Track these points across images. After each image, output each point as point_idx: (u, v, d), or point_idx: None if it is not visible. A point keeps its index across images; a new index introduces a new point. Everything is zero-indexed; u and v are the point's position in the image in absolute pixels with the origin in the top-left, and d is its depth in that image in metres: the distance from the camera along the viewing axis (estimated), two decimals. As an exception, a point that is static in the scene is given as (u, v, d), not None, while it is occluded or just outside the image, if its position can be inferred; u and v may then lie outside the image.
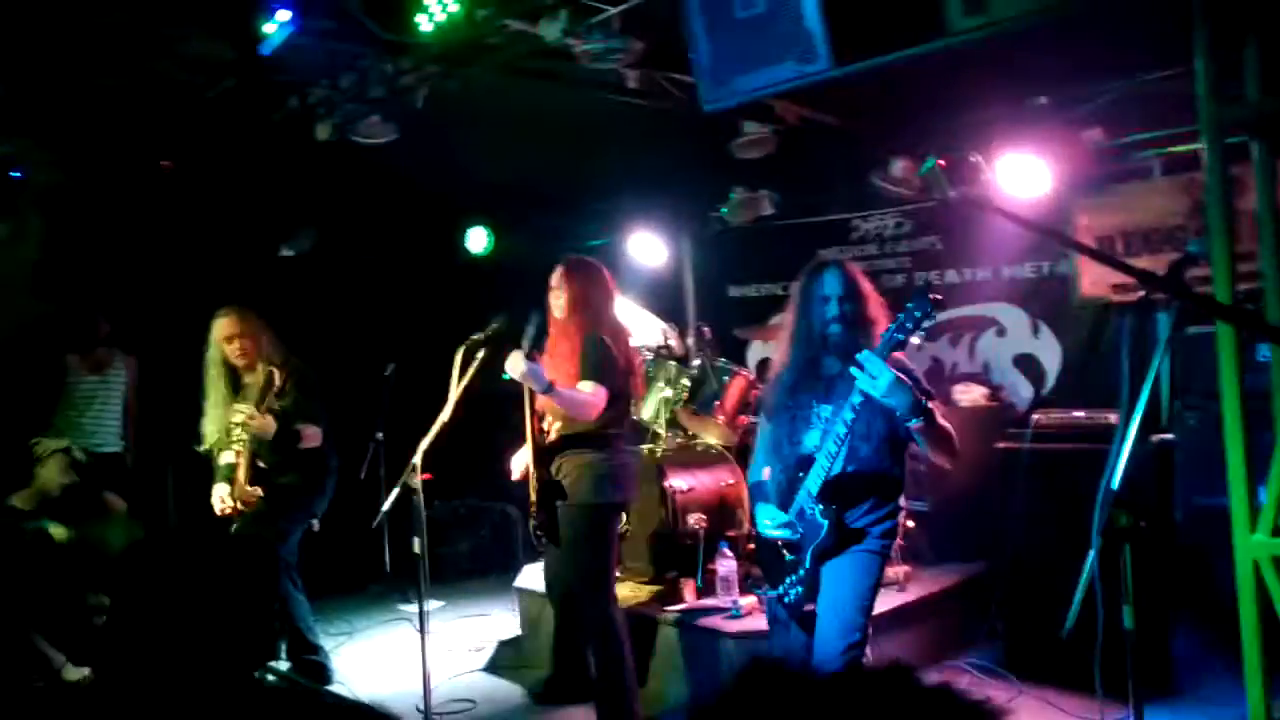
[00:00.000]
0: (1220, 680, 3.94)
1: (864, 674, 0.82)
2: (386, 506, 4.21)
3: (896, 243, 6.39)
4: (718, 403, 5.32)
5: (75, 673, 3.98)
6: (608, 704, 4.12)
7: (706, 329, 5.80)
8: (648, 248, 6.81)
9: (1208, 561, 4.03)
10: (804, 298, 3.48)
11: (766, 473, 3.56)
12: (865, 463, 3.35)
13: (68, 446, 5.65)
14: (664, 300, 6.75)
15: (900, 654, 3.06)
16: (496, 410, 4.59)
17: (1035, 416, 4.92)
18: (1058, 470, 4.53)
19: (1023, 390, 5.83)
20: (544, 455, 4.15)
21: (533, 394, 4.08)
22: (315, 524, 5.00)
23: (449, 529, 7.18)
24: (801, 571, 3.36)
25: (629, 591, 5.07)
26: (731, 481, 5.25)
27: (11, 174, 4.66)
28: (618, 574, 5.20)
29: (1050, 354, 5.78)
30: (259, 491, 4.81)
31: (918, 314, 3.10)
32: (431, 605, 4.61)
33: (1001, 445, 4.96)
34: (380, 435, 6.18)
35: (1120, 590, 2.67)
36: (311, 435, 4.87)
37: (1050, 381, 5.76)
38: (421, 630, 4.10)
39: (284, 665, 4.90)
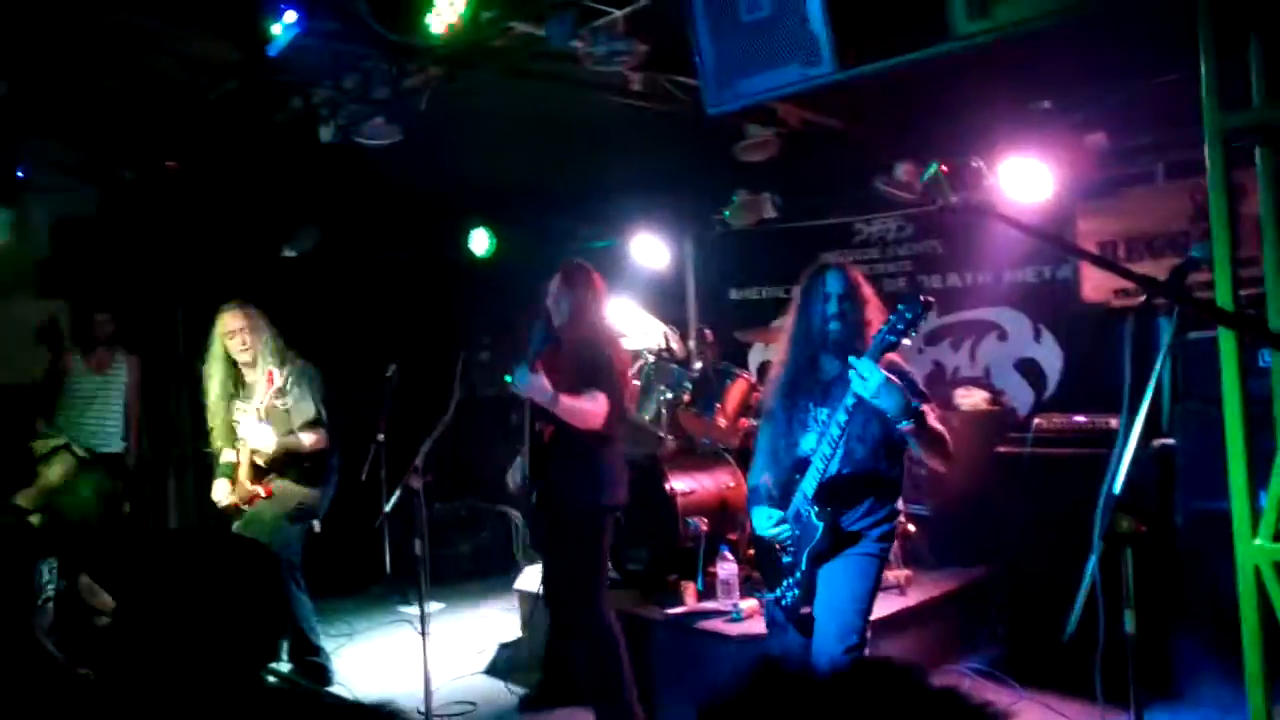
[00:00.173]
0: (1221, 685, 3.93)
1: (872, 675, 0.82)
2: (388, 507, 4.22)
3: (898, 246, 6.39)
4: (719, 405, 5.32)
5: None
6: (606, 704, 4.13)
7: (708, 331, 5.80)
8: (650, 250, 6.81)
9: (1209, 567, 4.03)
10: (805, 296, 3.52)
11: (767, 479, 3.57)
12: (861, 465, 3.36)
13: (67, 443, 5.67)
14: (666, 302, 6.75)
15: (898, 658, 3.06)
16: (498, 413, 4.59)
17: (1036, 421, 4.93)
18: (1058, 474, 4.53)
19: (1024, 395, 5.83)
20: (539, 458, 4.17)
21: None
22: (316, 524, 5.00)
23: (449, 531, 7.18)
24: (798, 574, 3.37)
25: (628, 594, 5.07)
26: (732, 484, 5.25)
27: (16, 172, 4.66)
28: (618, 576, 5.22)
29: (1051, 358, 5.77)
30: (260, 490, 4.82)
31: (909, 315, 3.13)
32: (432, 607, 4.61)
33: (1002, 450, 4.96)
34: (381, 436, 6.18)
35: (1121, 595, 2.67)
36: (316, 440, 4.88)
37: (1051, 386, 5.75)
38: (423, 632, 4.10)
39: (285, 666, 4.90)
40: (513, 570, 6.20)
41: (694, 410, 5.39)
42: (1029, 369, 5.84)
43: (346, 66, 4.29)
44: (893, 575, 4.81)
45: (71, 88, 4.51)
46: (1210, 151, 2.95)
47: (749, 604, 4.56)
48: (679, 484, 5.12)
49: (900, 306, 3.16)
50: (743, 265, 7.12)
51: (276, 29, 3.50)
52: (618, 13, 3.66)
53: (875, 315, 3.42)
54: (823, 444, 3.30)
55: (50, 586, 2.49)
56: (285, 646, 4.94)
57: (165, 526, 6.44)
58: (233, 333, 4.86)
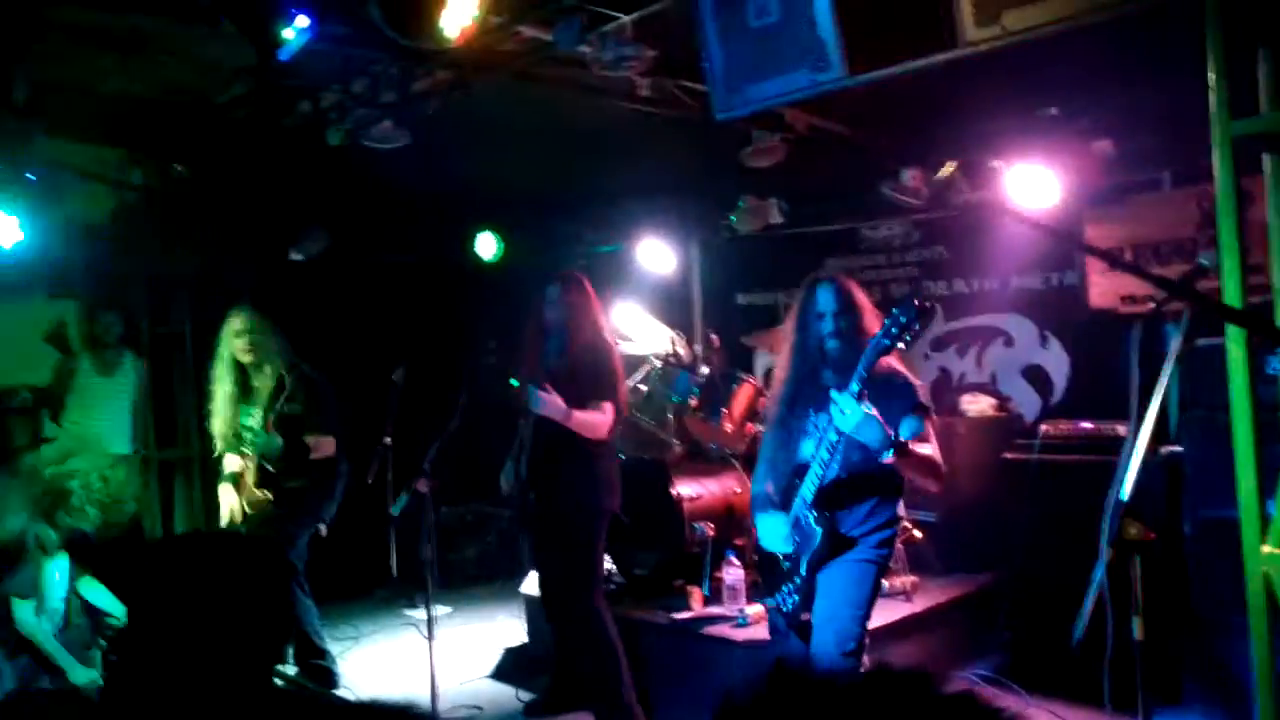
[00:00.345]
0: (1229, 693, 3.93)
1: (888, 680, 0.82)
2: (395, 511, 4.23)
3: (905, 252, 6.39)
4: (725, 410, 5.32)
5: (84, 675, 3.98)
6: (604, 703, 4.16)
7: (715, 336, 5.81)
8: (657, 255, 6.82)
9: (1217, 574, 4.02)
10: (801, 314, 3.52)
11: (769, 486, 3.58)
12: (859, 470, 3.35)
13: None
14: (672, 307, 6.77)
15: (907, 665, 3.05)
16: (504, 417, 4.60)
17: (1043, 427, 4.92)
18: (1065, 481, 4.53)
19: (1030, 401, 5.82)
20: (536, 462, 4.21)
21: None
22: (323, 529, 5.01)
23: (456, 535, 7.19)
24: (797, 580, 3.36)
25: (634, 599, 5.07)
26: (739, 490, 5.25)
27: (28, 175, 4.68)
28: (623, 580, 5.22)
29: (1058, 365, 5.77)
30: (267, 495, 4.82)
31: (903, 319, 3.11)
32: (438, 611, 4.62)
33: (1009, 456, 4.95)
34: (388, 440, 6.19)
35: (1129, 602, 2.66)
36: (324, 446, 4.88)
37: (1058, 392, 5.75)
38: (430, 636, 4.11)
39: (291, 669, 4.91)
40: (519, 575, 6.20)
41: (700, 415, 5.40)
42: (1036, 375, 5.83)
43: (355, 70, 4.31)
44: (899, 581, 4.80)
45: (82, 90, 4.52)
46: (1219, 159, 2.95)
47: (755, 609, 4.55)
48: (685, 489, 5.12)
49: (894, 311, 3.15)
50: (749, 270, 7.13)
51: (288, 33, 3.50)
52: (626, 18, 3.67)
53: (872, 322, 3.41)
54: (821, 449, 3.30)
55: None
56: (290, 650, 4.95)
57: (172, 529, 6.45)
58: (239, 333, 4.87)
